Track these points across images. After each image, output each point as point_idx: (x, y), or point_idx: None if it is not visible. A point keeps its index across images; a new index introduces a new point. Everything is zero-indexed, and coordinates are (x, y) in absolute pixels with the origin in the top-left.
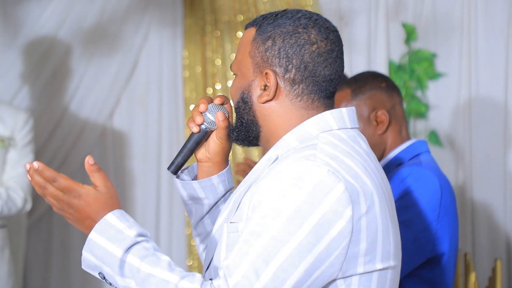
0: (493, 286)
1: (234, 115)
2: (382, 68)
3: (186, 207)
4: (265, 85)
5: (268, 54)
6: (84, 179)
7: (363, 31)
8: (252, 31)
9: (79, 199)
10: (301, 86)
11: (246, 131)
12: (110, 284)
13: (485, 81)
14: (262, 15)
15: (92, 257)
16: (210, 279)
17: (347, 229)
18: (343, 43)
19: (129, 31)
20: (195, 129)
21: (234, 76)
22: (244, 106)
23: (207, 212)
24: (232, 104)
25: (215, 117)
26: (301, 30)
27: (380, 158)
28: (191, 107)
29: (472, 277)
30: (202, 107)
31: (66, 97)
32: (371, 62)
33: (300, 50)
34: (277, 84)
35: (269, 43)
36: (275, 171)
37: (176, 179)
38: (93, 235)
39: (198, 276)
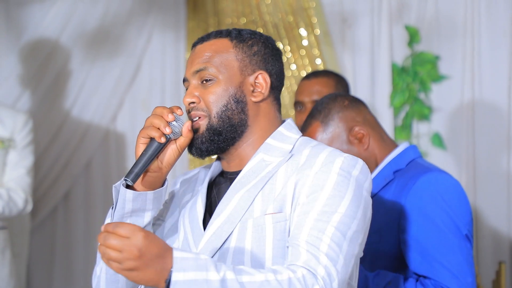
0: None
1: (204, 124)
2: (385, 70)
3: (119, 219)
4: (256, 85)
5: (256, 58)
6: (87, 182)
7: (366, 34)
8: (225, 40)
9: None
10: (276, 91)
11: (229, 132)
12: None
13: (488, 83)
14: (223, 30)
15: None
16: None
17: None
18: (346, 45)
19: (132, 34)
20: (163, 139)
21: (204, 83)
22: (236, 106)
23: (146, 225)
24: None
25: (181, 127)
26: (271, 42)
27: (373, 169)
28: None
29: (477, 279)
30: (171, 117)
31: (69, 99)
32: (374, 64)
33: (278, 59)
34: (271, 83)
35: (255, 48)
36: (321, 163)
37: (127, 189)
38: (177, 276)
39: (283, 267)
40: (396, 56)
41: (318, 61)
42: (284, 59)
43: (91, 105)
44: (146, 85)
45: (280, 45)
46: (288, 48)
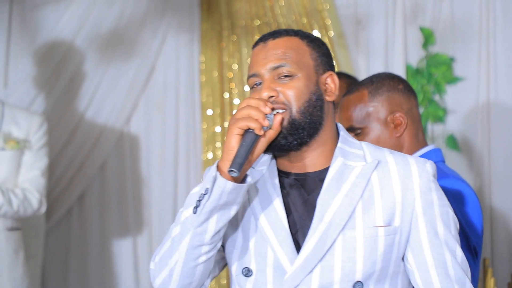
0: None
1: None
2: (399, 72)
3: (210, 211)
4: (327, 85)
5: (325, 58)
6: (101, 183)
7: (380, 35)
8: (296, 39)
9: None
10: None
11: (310, 128)
12: None
13: (503, 85)
14: (288, 29)
15: None
16: None
17: None
18: (361, 47)
19: (146, 36)
20: (261, 131)
21: (287, 77)
22: (316, 103)
23: (229, 219)
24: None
25: (272, 120)
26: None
27: None
28: (209, 111)
29: (491, 282)
30: (267, 109)
31: (83, 102)
32: (388, 66)
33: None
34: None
35: (323, 49)
36: (418, 174)
37: (227, 180)
38: None
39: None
40: (410, 58)
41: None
42: None
43: (106, 107)
44: (160, 87)
45: None
46: None
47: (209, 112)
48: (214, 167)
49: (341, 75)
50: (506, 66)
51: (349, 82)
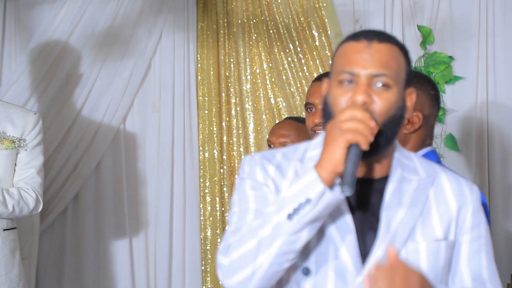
0: None
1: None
2: None
3: (308, 222)
4: (407, 101)
5: (410, 74)
6: (96, 183)
7: None
8: (397, 49)
9: None
10: None
11: (387, 143)
12: None
13: (502, 84)
14: (390, 35)
15: None
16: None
17: None
18: None
19: (142, 34)
20: (367, 148)
21: (383, 87)
22: (399, 119)
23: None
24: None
25: None
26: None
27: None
28: (206, 111)
29: None
30: (373, 124)
31: (79, 101)
32: None
33: None
34: None
35: (410, 65)
36: (469, 195)
37: (342, 198)
38: None
39: None
40: None
41: (330, 61)
42: (295, 59)
43: (101, 106)
44: (156, 86)
45: (291, 46)
46: (299, 49)
47: (206, 111)
48: (315, 178)
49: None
50: (504, 65)
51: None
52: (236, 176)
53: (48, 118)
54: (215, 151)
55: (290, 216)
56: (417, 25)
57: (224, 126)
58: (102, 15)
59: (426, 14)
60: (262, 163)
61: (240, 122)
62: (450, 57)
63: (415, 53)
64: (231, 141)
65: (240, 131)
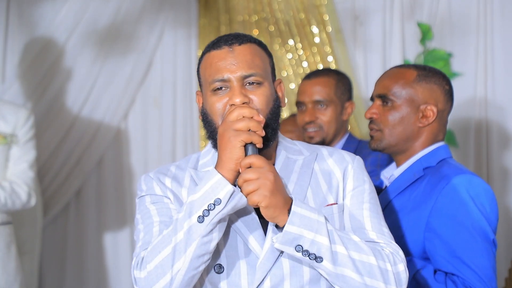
0: (510, 286)
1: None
2: None
3: (221, 223)
4: (279, 92)
5: (273, 66)
6: (98, 179)
7: (378, 30)
8: (256, 47)
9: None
10: None
11: (274, 130)
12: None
13: (501, 80)
14: (247, 35)
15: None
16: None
17: None
18: (358, 42)
19: (143, 31)
20: (261, 144)
21: (255, 85)
22: (277, 110)
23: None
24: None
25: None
26: None
27: (405, 151)
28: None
29: None
30: (261, 117)
31: (80, 97)
32: (386, 61)
33: None
34: None
35: (271, 57)
36: (350, 158)
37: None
38: (296, 208)
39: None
40: (408, 53)
41: (330, 58)
42: (296, 56)
43: (103, 103)
44: (158, 83)
45: (291, 42)
46: (299, 45)
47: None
48: (220, 178)
49: (329, 72)
50: (503, 61)
51: (337, 79)
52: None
53: (50, 114)
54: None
55: (200, 218)
56: (417, 21)
57: None
58: (104, 11)
59: (425, 10)
60: (157, 178)
61: None
62: (449, 53)
63: (415, 50)
64: None
65: None
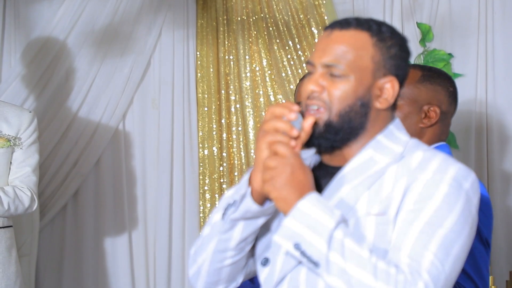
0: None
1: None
2: None
3: (242, 224)
4: (383, 91)
5: (390, 62)
6: (96, 181)
7: None
8: (365, 35)
9: None
10: (397, 97)
11: (347, 134)
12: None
13: (501, 81)
14: (363, 19)
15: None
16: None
17: None
18: None
19: (141, 32)
20: (293, 143)
21: (338, 76)
22: (360, 109)
23: (257, 228)
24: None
25: (301, 123)
26: (407, 45)
27: None
28: (205, 108)
29: (490, 280)
30: (293, 115)
31: (78, 98)
32: None
33: (408, 63)
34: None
35: (392, 51)
36: (434, 170)
37: (266, 208)
38: (303, 204)
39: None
40: None
41: None
42: (295, 57)
43: (100, 104)
44: (156, 84)
45: (290, 43)
46: (299, 46)
47: (205, 108)
48: (246, 179)
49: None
50: (504, 62)
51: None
52: (236, 173)
53: (48, 115)
54: (214, 148)
55: (222, 216)
56: (417, 22)
57: (224, 123)
58: (102, 12)
59: (426, 11)
60: None
61: (240, 119)
62: (450, 54)
63: (415, 51)
64: (230, 138)
65: (239, 128)
